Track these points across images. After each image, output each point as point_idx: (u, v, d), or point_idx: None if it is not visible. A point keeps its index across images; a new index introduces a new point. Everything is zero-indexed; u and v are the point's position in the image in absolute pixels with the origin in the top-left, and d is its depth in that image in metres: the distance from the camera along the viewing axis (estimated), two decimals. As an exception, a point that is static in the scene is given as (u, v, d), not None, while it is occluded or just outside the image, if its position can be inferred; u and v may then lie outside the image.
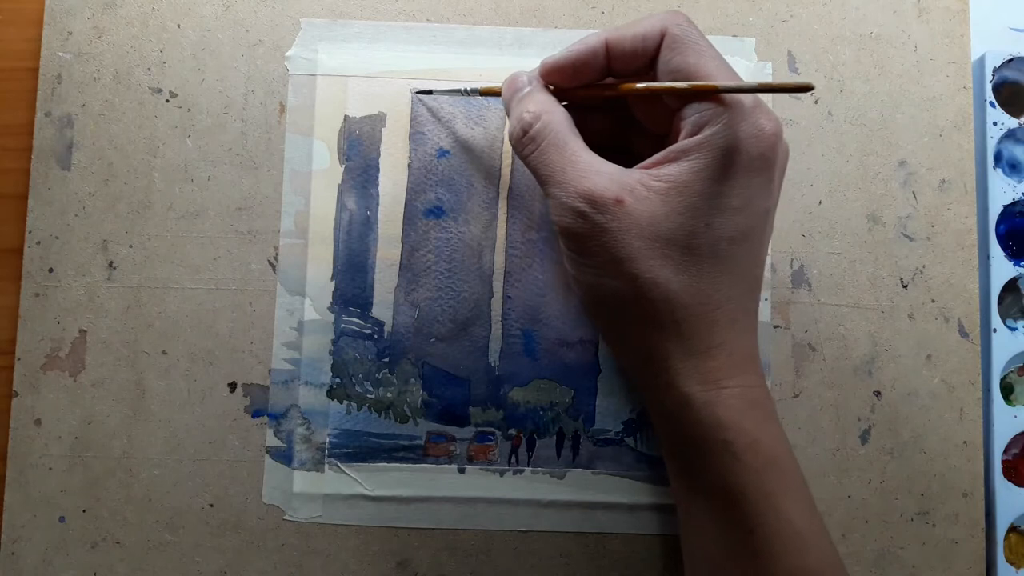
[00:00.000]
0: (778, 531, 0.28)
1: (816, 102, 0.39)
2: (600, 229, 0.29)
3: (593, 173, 0.29)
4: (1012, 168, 0.40)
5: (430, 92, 0.38)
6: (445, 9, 0.39)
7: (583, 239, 0.29)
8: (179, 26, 0.39)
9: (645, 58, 0.30)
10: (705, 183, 0.28)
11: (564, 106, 0.31)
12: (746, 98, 0.29)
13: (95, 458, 0.37)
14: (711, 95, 0.29)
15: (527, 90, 0.32)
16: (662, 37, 0.30)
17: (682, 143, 0.29)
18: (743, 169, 0.28)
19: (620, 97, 0.32)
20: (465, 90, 0.36)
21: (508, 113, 0.32)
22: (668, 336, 0.29)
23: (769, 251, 0.38)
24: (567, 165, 0.29)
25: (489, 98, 0.38)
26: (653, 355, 0.30)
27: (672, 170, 0.29)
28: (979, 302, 0.38)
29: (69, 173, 0.38)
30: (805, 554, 0.28)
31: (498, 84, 0.34)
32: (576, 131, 0.31)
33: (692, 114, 0.29)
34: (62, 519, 0.37)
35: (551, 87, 0.32)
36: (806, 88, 0.27)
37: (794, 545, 0.28)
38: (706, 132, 0.28)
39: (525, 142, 0.31)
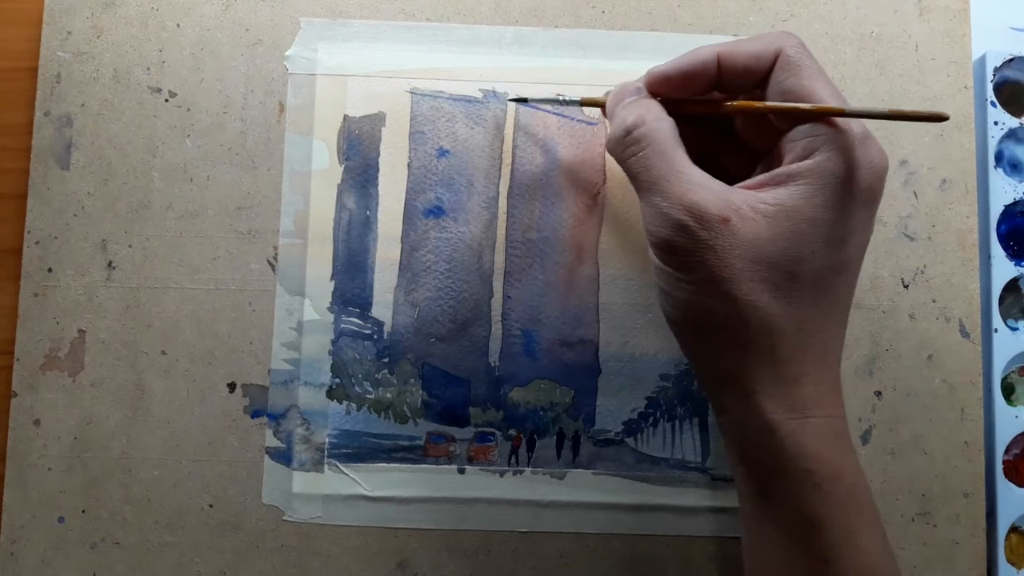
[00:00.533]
0: (853, 563, 0.28)
1: (817, 102, 0.39)
2: (704, 246, 0.28)
3: (700, 187, 0.28)
4: (1013, 168, 0.40)
5: (525, 100, 0.37)
6: (445, 9, 0.39)
7: (682, 253, 0.28)
8: (179, 26, 0.39)
9: (757, 76, 0.30)
10: (815, 210, 0.28)
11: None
12: (858, 128, 0.28)
13: (94, 458, 0.37)
14: (827, 119, 0.28)
15: (634, 98, 0.31)
16: (776, 57, 0.29)
17: (791, 167, 0.28)
18: (851, 200, 0.28)
19: (730, 114, 0.31)
20: (564, 99, 0.35)
21: (610, 118, 0.32)
22: (760, 360, 0.29)
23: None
24: (672, 175, 0.29)
25: (561, 106, 0.38)
26: (741, 378, 0.29)
27: (781, 194, 0.28)
28: (980, 302, 0.38)
29: (68, 173, 0.38)
30: None
31: (599, 95, 0.34)
32: (682, 143, 0.30)
33: (801, 138, 0.29)
34: (61, 519, 0.37)
35: (658, 98, 0.31)
36: (940, 118, 0.27)
37: None
38: (817, 158, 0.28)
39: (628, 143, 0.30)
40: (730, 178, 0.30)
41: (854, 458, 0.30)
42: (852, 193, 0.28)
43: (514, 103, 0.38)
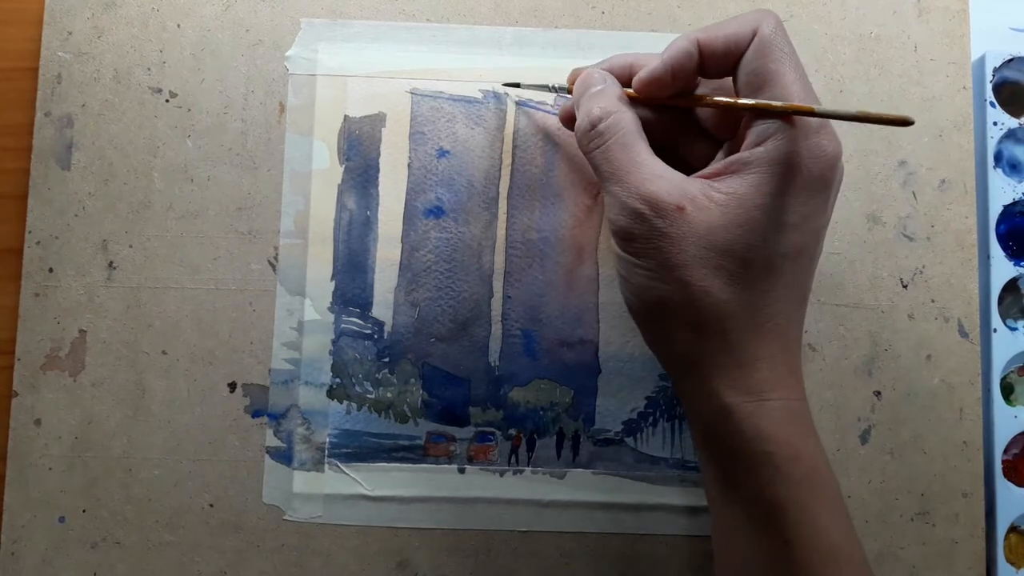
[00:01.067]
0: (814, 543, 0.28)
1: (816, 102, 0.39)
2: (658, 233, 0.29)
3: (657, 177, 0.29)
4: (1012, 168, 0.40)
5: (517, 85, 0.38)
6: (445, 9, 0.39)
7: (639, 241, 0.29)
8: (179, 26, 0.39)
9: (734, 59, 0.30)
10: (765, 198, 0.28)
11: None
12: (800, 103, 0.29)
13: (95, 458, 0.37)
14: (786, 115, 0.28)
15: (600, 87, 0.32)
16: (753, 37, 0.29)
17: (743, 155, 0.29)
18: (802, 187, 0.29)
19: (706, 106, 0.32)
20: (553, 87, 0.36)
21: (576, 109, 0.32)
22: (714, 346, 0.29)
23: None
24: (631, 166, 0.29)
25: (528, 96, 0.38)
26: (698, 363, 0.30)
27: (733, 183, 0.29)
28: (979, 302, 0.38)
29: (69, 173, 0.38)
30: (839, 566, 0.28)
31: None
32: (643, 134, 0.31)
33: (756, 125, 0.29)
34: (62, 519, 0.37)
35: (629, 92, 0.32)
36: (905, 122, 0.27)
37: (830, 557, 0.28)
38: (768, 146, 0.29)
39: (592, 135, 0.31)
40: (690, 163, 0.31)
41: (814, 440, 0.30)
42: (803, 181, 0.28)
43: (507, 87, 0.38)
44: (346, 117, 0.38)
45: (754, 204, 0.28)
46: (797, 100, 0.28)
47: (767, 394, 0.29)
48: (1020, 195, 0.39)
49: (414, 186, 0.38)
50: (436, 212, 0.38)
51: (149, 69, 0.39)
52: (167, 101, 0.39)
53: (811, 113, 0.28)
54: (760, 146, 0.29)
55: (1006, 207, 0.39)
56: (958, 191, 0.39)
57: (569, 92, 0.35)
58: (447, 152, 0.39)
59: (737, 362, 0.29)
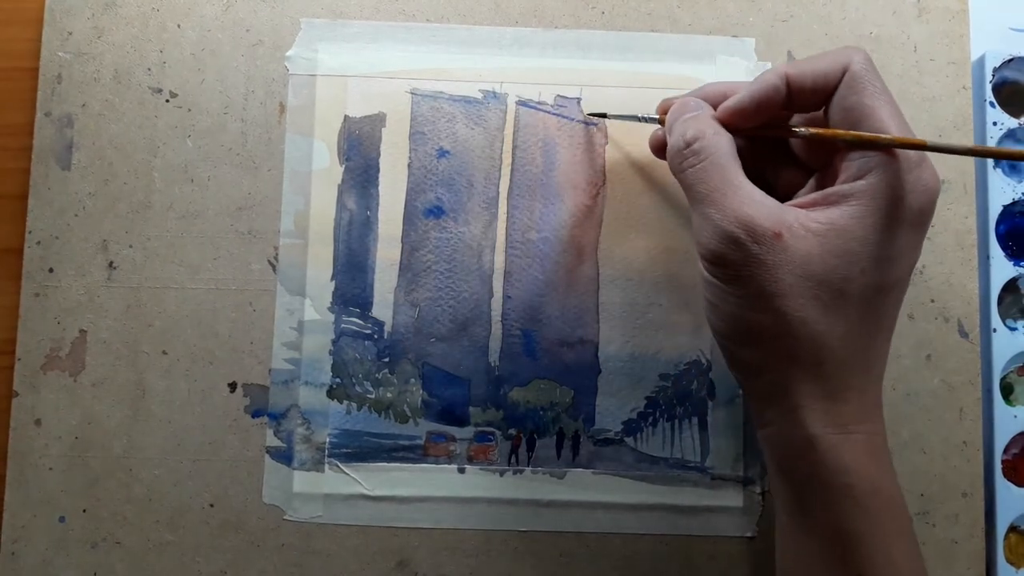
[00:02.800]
0: (886, 574, 0.28)
1: (816, 102, 0.39)
2: (754, 260, 0.28)
3: (754, 202, 0.29)
4: (1012, 168, 0.40)
5: (604, 116, 0.38)
6: (445, 9, 0.39)
7: (734, 267, 0.29)
8: (179, 26, 0.39)
9: (823, 95, 0.30)
10: (865, 231, 0.28)
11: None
12: (916, 152, 0.29)
13: (95, 458, 0.37)
14: (886, 148, 0.28)
15: (695, 113, 0.32)
16: (843, 74, 0.29)
17: (843, 187, 0.29)
18: (903, 222, 0.28)
19: (810, 138, 0.31)
20: (643, 117, 0.36)
21: (669, 133, 0.32)
22: (806, 376, 0.29)
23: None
24: (728, 189, 0.29)
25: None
26: (785, 392, 0.29)
27: (833, 214, 0.28)
28: (979, 302, 0.38)
29: (69, 173, 0.38)
30: None
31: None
32: (738, 159, 0.30)
33: (856, 157, 0.29)
34: (62, 519, 0.37)
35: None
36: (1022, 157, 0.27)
37: None
38: (870, 179, 0.28)
39: (687, 154, 0.30)
40: (778, 192, 0.31)
41: (893, 475, 0.30)
42: (903, 215, 0.28)
43: (592, 117, 0.38)
44: (346, 117, 0.38)
45: (853, 236, 0.28)
46: (896, 135, 0.28)
47: (853, 427, 0.29)
48: (1020, 195, 0.39)
49: (414, 186, 0.38)
50: (436, 212, 0.38)
51: (149, 69, 0.39)
52: (167, 101, 0.39)
53: (921, 147, 0.28)
54: (862, 179, 0.28)
55: (1006, 207, 0.39)
56: (958, 191, 0.39)
57: (659, 122, 0.35)
58: (447, 152, 0.39)
59: (827, 393, 0.29)
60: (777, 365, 0.29)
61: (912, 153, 0.28)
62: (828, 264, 0.28)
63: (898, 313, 0.31)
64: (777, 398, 0.30)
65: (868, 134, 0.29)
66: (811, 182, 0.32)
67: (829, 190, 0.29)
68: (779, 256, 0.28)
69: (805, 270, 0.28)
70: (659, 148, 0.35)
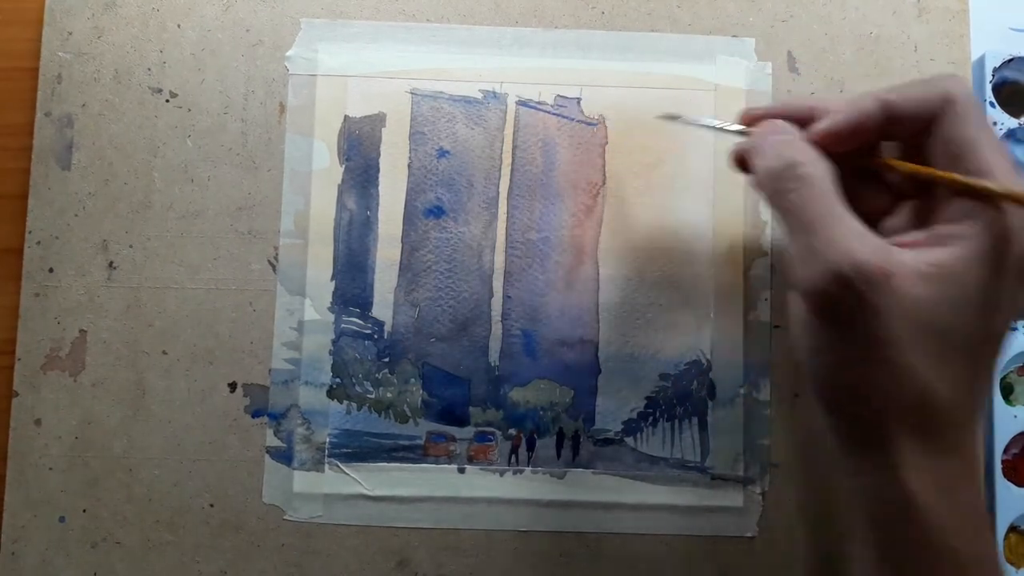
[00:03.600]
0: None
1: (816, 102, 0.39)
2: (864, 303, 0.25)
3: (862, 238, 0.26)
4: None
5: (676, 118, 0.35)
6: (445, 9, 0.39)
7: (839, 309, 0.26)
8: (179, 26, 0.39)
9: (922, 123, 0.28)
10: (980, 276, 0.26)
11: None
12: (1019, 187, 0.26)
13: (95, 458, 0.37)
14: (989, 197, 0.26)
15: (790, 137, 0.29)
16: (942, 102, 0.28)
17: (951, 228, 0.27)
18: (1011, 268, 0.26)
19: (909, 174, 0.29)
20: (718, 127, 0.34)
21: (758, 150, 0.30)
22: (912, 432, 0.26)
23: (769, 252, 0.38)
24: (834, 220, 0.26)
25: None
26: (887, 447, 0.27)
27: (940, 255, 0.26)
28: (979, 302, 0.38)
29: (69, 173, 0.38)
30: None
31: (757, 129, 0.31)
32: (841, 191, 0.28)
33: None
34: (62, 519, 0.37)
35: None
36: None
37: None
38: (980, 221, 0.26)
39: (788, 177, 0.28)
40: (865, 217, 0.28)
41: (992, 535, 0.29)
42: (1011, 260, 0.26)
43: (665, 118, 0.36)
44: (346, 117, 0.38)
45: (962, 282, 0.26)
46: (1001, 174, 0.26)
47: (956, 486, 0.27)
48: (1020, 195, 0.39)
49: (414, 186, 0.38)
50: (436, 212, 0.38)
51: (149, 69, 0.39)
52: (167, 101, 0.39)
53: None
54: (969, 219, 0.26)
55: (1006, 207, 0.39)
56: (958, 191, 0.39)
57: (739, 133, 0.32)
58: (447, 152, 0.39)
59: (933, 451, 0.27)
60: (880, 418, 0.27)
61: (1020, 189, 0.26)
62: (937, 311, 0.26)
63: (997, 366, 0.28)
64: (873, 449, 0.27)
65: (974, 181, 0.26)
66: (904, 211, 0.30)
67: (937, 230, 0.27)
68: (890, 300, 0.25)
69: (916, 317, 0.26)
70: (740, 162, 0.32)
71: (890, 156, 0.30)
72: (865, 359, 0.26)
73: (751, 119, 0.31)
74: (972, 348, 0.27)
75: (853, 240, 0.26)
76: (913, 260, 0.26)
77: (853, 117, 0.28)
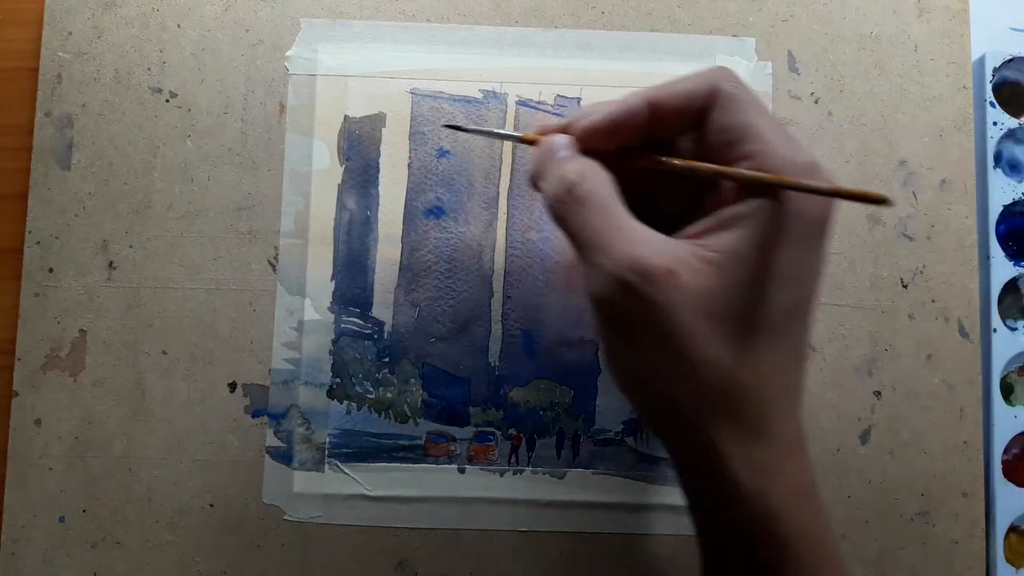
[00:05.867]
0: None
1: (816, 102, 0.39)
2: (648, 303, 0.26)
3: (642, 242, 0.26)
4: (1012, 168, 0.40)
5: (462, 129, 0.35)
6: (445, 9, 0.39)
7: (627, 313, 0.26)
8: (179, 26, 0.39)
9: (690, 117, 0.28)
10: (762, 252, 0.26)
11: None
12: (803, 158, 0.26)
13: (95, 458, 0.37)
14: (767, 150, 0.26)
15: (566, 153, 0.29)
16: (709, 95, 0.28)
17: (732, 209, 0.27)
18: (799, 236, 0.26)
19: (680, 172, 0.29)
20: (501, 134, 0.34)
21: (540, 174, 0.30)
22: (720, 419, 0.27)
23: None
24: (613, 231, 0.27)
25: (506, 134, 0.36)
26: (700, 439, 0.27)
27: (724, 239, 0.26)
28: (979, 302, 0.39)
29: (69, 173, 0.38)
30: None
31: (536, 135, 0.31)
32: (621, 197, 0.28)
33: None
34: (62, 519, 0.37)
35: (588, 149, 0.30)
36: (883, 201, 0.25)
37: None
38: (760, 199, 0.26)
39: (568, 201, 0.28)
40: (669, 214, 0.29)
41: (822, 514, 0.28)
42: (797, 229, 0.26)
43: (449, 129, 0.36)
44: (346, 117, 0.38)
45: (751, 260, 0.26)
46: (779, 151, 0.27)
47: (774, 467, 0.27)
48: (1020, 195, 0.39)
49: (414, 186, 0.38)
50: (436, 212, 0.38)
51: (149, 69, 0.39)
52: (167, 101, 0.39)
53: (781, 185, 0.26)
54: (750, 199, 0.27)
55: (1006, 207, 0.39)
56: (958, 191, 0.39)
57: (521, 141, 0.32)
58: (447, 152, 0.39)
59: (745, 434, 0.27)
60: (688, 412, 0.27)
61: (801, 160, 0.26)
62: (728, 295, 0.26)
63: (810, 334, 0.28)
64: (692, 444, 0.28)
65: (736, 170, 0.27)
66: (702, 203, 0.30)
67: (719, 214, 0.27)
68: (675, 296, 0.26)
69: (706, 307, 0.26)
70: (535, 184, 0.31)
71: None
72: (661, 355, 0.27)
73: (544, 133, 0.31)
74: (775, 325, 0.27)
75: (633, 246, 0.26)
76: (698, 250, 0.26)
77: (615, 112, 0.29)
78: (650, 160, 0.29)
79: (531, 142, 0.31)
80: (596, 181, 0.28)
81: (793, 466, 0.28)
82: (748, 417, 0.27)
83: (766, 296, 0.26)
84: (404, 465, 0.37)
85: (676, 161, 0.29)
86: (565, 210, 0.28)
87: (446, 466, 0.37)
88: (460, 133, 0.38)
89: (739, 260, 0.26)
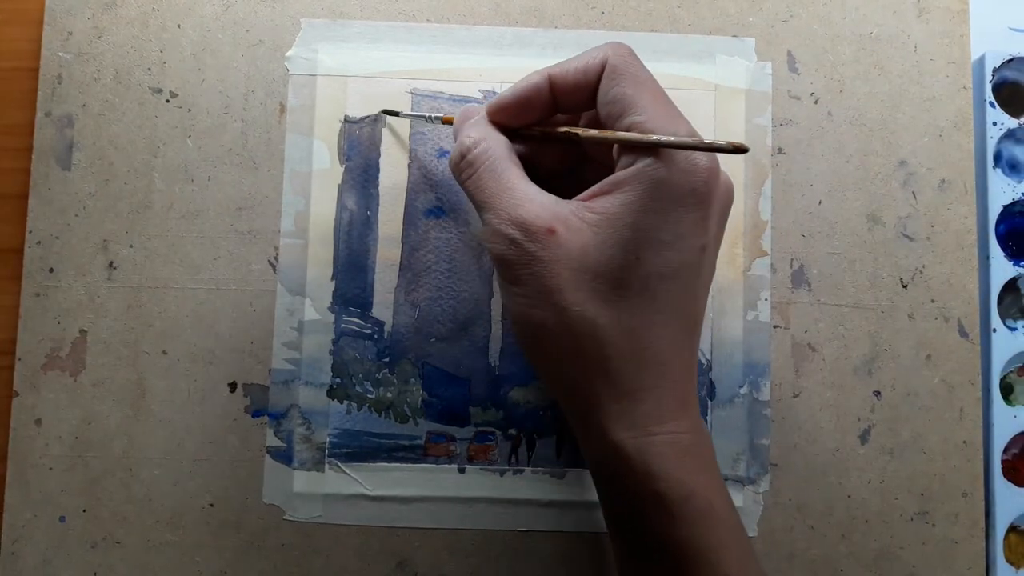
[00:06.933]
0: None
1: (816, 102, 0.39)
2: (531, 258, 0.28)
3: (527, 201, 0.29)
4: (1012, 168, 0.40)
5: (397, 114, 0.38)
6: (445, 9, 0.39)
7: (514, 267, 0.28)
8: (179, 26, 0.39)
9: (588, 91, 0.30)
10: (636, 215, 0.28)
11: (516, 138, 0.31)
12: (685, 131, 0.28)
13: (95, 458, 0.37)
14: (646, 144, 0.28)
15: (475, 119, 0.32)
16: (602, 68, 0.29)
17: (616, 175, 0.28)
18: (674, 203, 0.28)
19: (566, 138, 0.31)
20: (429, 117, 0.37)
21: (454, 144, 0.32)
22: (596, 375, 0.28)
23: (769, 252, 0.38)
24: (502, 192, 0.29)
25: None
26: (584, 396, 0.29)
27: (605, 202, 0.28)
28: (979, 302, 0.39)
29: (69, 173, 0.38)
30: None
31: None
32: (516, 159, 0.30)
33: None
34: (62, 519, 0.37)
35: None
36: (741, 150, 0.26)
37: None
38: (639, 164, 0.28)
39: (463, 166, 0.31)
40: (591, 184, 0.30)
41: (709, 475, 0.29)
42: (674, 196, 0.28)
43: (386, 115, 0.38)
44: (346, 117, 0.38)
45: (624, 222, 0.28)
46: (658, 120, 0.28)
47: (653, 428, 0.28)
48: (1020, 195, 0.39)
49: (414, 186, 0.38)
50: (436, 212, 0.38)
51: (149, 69, 0.39)
52: (167, 101, 0.39)
53: (640, 143, 0.28)
54: (632, 165, 0.28)
55: (1006, 207, 0.39)
56: (958, 191, 0.39)
57: (443, 122, 0.35)
58: (447, 152, 0.39)
59: (621, 393, 0.28)
60: (568, 366, 0.29)
61: (683, 133, 0.28)
62: (604, 254, 0.28)
63: (696, 302, 0.30)
64: (578, 404, 0.29)
65: (604, 132, 0.29)
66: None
67: (605, 180, 0.29)
68: (555, 252, 0.28)
69: (582, 263, 0.28)
70: None
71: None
72: (541, 308, 0.28)
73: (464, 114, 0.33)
74: (648, 287, 0.28)
75: (519, 205, 0.28)
76: (580, 211, 0.28)
77: (519, 90, 0.31)
78: (540, 131, 0.32)
79: (450, 122, 0.34)
80: (488, 145, 0.30)
81: (674, 427, 0.28)
82: (621, 374, 0.28)
83: (640, 259, 0.28)
84: (404, 465, 0.37)
85: (561, 129, 0.31)
86: (461, 173, 0.31)
87: (446, 466, 0.37)
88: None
89: (614, 222, 0.28)
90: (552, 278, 0.28)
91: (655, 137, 0.27)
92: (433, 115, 0.36)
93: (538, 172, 0.32)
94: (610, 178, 0.29)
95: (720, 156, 0.29)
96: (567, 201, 0.29)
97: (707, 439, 0.30)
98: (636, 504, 0.28)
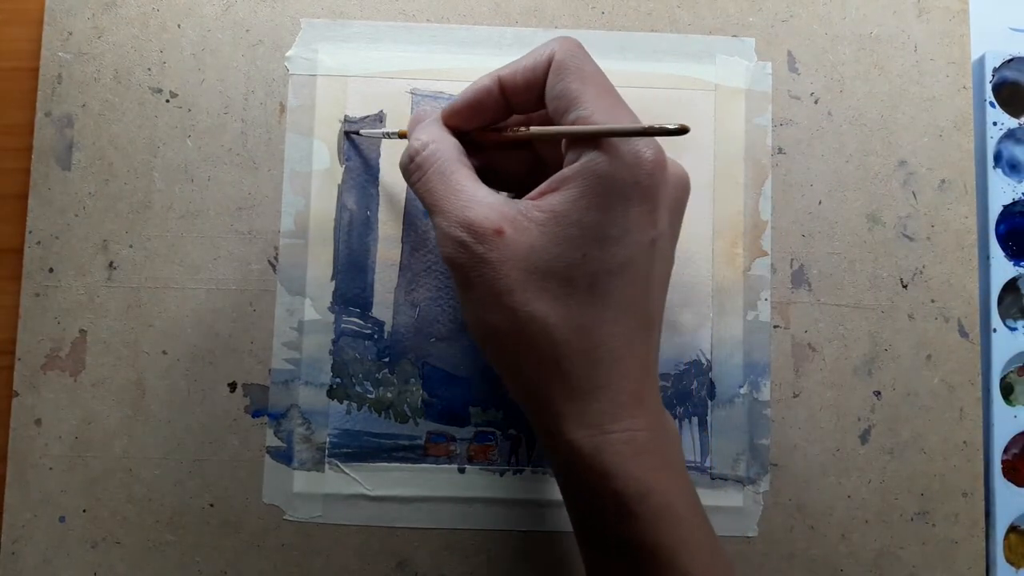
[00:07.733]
0: None
1: (816, 102, 0.39)
2: (479, 259, 0.28)
3: (475, 203, 0.28)
4: (1012, 168, 0.40)
5: (358, 133, 0.38)
6: (445, 9, 0.39)
7: (464, 270, 0.28)
8: (179, 26, 0.39)
9: (538, 89, 0.29)
10: (581, 212, 0.27)
11: (474, 145, 0.31)
12: (628, 123, 0.28)
13: (95, 458, 0.37)
14: (585, 133, 0.28)
15: (424, 122, 0.31)
16: (547, 65, 0.29)
17: (562, 172, 0.28)
18: (619, 197, 0.27)
19: (519, 140, 0.31)
20: (387, 133, 0.36)
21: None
22: (551, 375, 0.28)
23: (769, 252, 0.38)
24: (450, 194, 0.29)
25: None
26: (540, 395, 0.28)
27: (552, 200, 0.28)
28: (979, 302, 0.39)
29: (69, 173, 0.38)
30: None
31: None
32: (466, 162, 0.30)
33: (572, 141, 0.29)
34: (62, 519, 0.37)
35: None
36: (683, 131, 0.26)
37: None
38: (583, 159, 0.27)
39: (412, 169, 0.30)
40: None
41: (669, 472, 0.28)
42: (619, 190, 0.27)
43: (347, 136, 0.38)
44: (346, 117, 0.38)
45: (570, 220, 0.27)
46: (602, 113, 0.28)
47: (608, 426, 0.27)
48: (1020, 195, 0.39)
49: (414, 186, 0.38)
50: (436, 212, 0.38)
51: (149, 69, 0.39)
52: (167, 101, 0.39)
53: (580, 133, 0.28)
54: (577, 160, 0.28)
55: (1006, 207, 0.39)
56: (958, 191, 0.39)
57: (399, 136, 0.35)
58: (447, 152, 0.38)
59: (575, 392, 0.28)
60: (523, 367, 0.28)
61: (627, 123, 0.28)
62: (551, 253, 0.27)
63: (652, 300, 0.29)
64: (536, 404, 0.29)
65: (552, 128, 0.29)
66: None
67: (553, 177, 0.28)
68: (503, 252, 0.27)
69: (529, 263, 0.27)
70: None
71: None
72: (492, 310, 0.28)
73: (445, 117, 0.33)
74: (596, 284, 0.28)
75: (467, 207, 0.28)
76: (527, 210, 0.28)
77: (469, 95, 0.30)
78: (491, 131, 0.31)
79: (404, 135, 0.34)
80: (436, 147, 0.30)
81: (629, 425, 0.28)
82: (574, 372, 0.28)
83: (587, 256, 0.28)
84: (404, 465, 0.37)
85: (511, 130, 0.31)
86: (411, 175, 0.30)
87: (446, 466, 0.37)
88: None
89: (560, 219, 0.27)
90: (502, 279, 0.28)
91: (594, 127, 0.27)
92: (391, 131, 0.36)
93: (501, 179, 0.32)
94: (557, 175, 0.28)
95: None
96: (516, 201, 0.29)
97: (669, 436, 0.29)
98: (595, 502, 0.28)
